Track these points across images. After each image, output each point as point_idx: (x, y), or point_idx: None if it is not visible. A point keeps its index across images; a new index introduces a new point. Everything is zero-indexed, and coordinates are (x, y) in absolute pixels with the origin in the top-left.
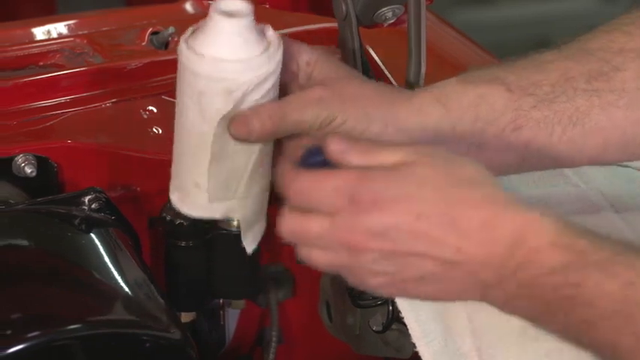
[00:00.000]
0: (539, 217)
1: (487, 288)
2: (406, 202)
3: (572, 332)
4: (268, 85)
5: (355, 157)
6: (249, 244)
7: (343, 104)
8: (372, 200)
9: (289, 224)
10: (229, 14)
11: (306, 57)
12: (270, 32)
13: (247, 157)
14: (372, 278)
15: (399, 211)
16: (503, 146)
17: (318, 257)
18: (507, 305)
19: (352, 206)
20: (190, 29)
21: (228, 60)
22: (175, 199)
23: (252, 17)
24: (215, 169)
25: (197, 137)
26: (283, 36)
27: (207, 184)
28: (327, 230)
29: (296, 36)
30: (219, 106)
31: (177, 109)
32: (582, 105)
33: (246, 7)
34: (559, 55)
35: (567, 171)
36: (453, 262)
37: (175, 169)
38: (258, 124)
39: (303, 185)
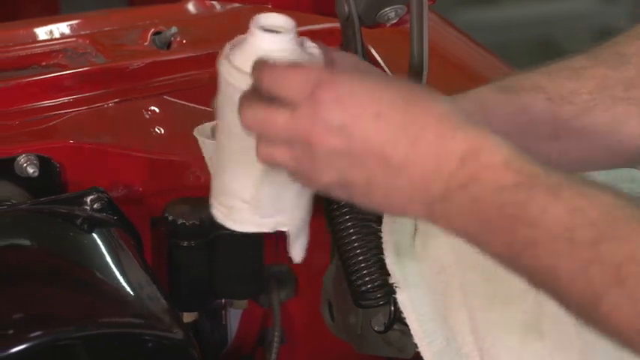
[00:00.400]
0: (495, 138)
1: (433, 202)
2: (367, 101)
3: (512, 252)
4: None
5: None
6: (298, 254)
7: None
8: (334, 97)
9: (256, 113)
10: (271, 29)
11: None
12: (310, 44)
13: None
14: (324, 175)
15: (359, 109)
16: (543, 156)
17: (277, 153)
18: (451, 222)
19: (315, 100)
20: (228, 45)
21: None
22: (220, 214)
23: (295, 32)
24: (264, 185)
25: (244, 154)
26: (322, 45)
27: (257, 200)
28: (289, 122)
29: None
30: None
31: (219, 126)
32: (620, 114)
33: (288, 23)
34: (594, 61)
35: None
36: (400, 167)
37: (219, 185)
38: None
39: (277, 71)
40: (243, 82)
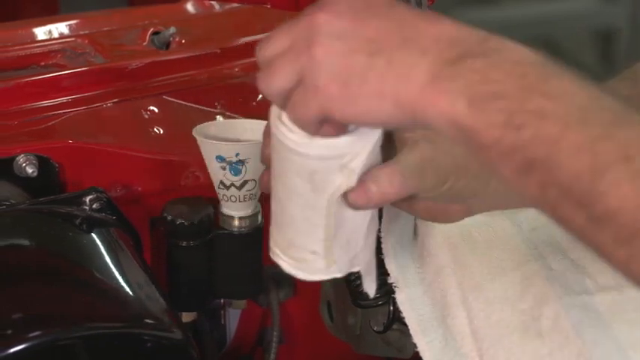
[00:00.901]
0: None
1: (444, 64)
2: (359, 9)
3: (516, 121)
4: (378, 146)
5: None
6: (371, 287)
7: (457, 167)
8: (324, 14)
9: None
10: None
11: None
12: None
13: (364, 216)
14: (323, 61)
15: (350, 15)
16: None
17: (278, 70)
18: (453, 87)
19: (306, 26)
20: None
21: (338, 138)
22: (287, 266)
23: None
24: (334, 237)
25: (310, 210)
26: None
27: (327, 251)
28: (291, 55)
29: None
30: (334, 180)
31: (276, 183)
32: None
33: None
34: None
35: None
36: (412, 38)
37: (283, 239)
38: (378, 192)
39: (267, 38)
40: (310, 149)
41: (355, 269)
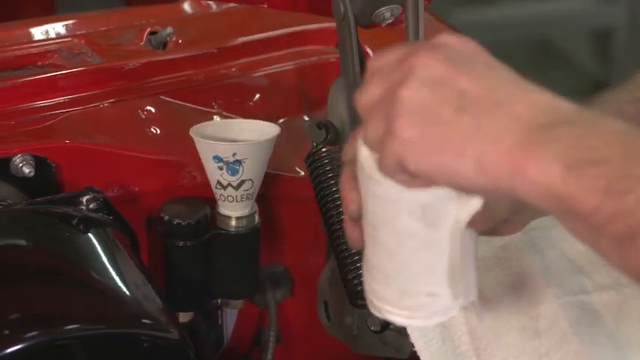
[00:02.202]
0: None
1: (533, 129)
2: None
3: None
4: None
5: None
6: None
7: None
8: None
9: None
10: None
11: None
12: None
13: (474, 238)
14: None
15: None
16: None
17: (372, 117)
18: (547, 151)
19: (401, 64)
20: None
21: None
22: (403, 319)
23: None
24: (458, 272)
25: (426, 250)
26: None
27: (452, 286)
28: (381, 83)
29: (295, 36)
30: (450, 209)
31: (384, 232)
32: None
33: None
34: None
35: None
36: (502, 102)
37: (395, 290)
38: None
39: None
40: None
41: (470, 299)
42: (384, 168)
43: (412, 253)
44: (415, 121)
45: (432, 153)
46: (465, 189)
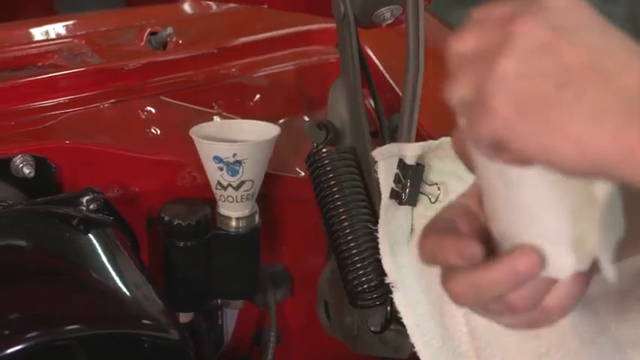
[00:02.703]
0: None
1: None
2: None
3: None
4: None
5: None
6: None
7: None
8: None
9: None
10: None
11: None
12: None
13: None
14: (515, 83)
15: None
16: None
17: (460, 76)
18: None
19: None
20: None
21: None
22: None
23: None
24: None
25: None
26: None
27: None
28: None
29: (295, 36)
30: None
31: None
32: None
33: None
34: None
35: None
36: (623, 87)
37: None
38: None
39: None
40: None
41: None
42: (475, 140)
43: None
44: (512, 99)
45: (532, 134)
46: (568, 172)
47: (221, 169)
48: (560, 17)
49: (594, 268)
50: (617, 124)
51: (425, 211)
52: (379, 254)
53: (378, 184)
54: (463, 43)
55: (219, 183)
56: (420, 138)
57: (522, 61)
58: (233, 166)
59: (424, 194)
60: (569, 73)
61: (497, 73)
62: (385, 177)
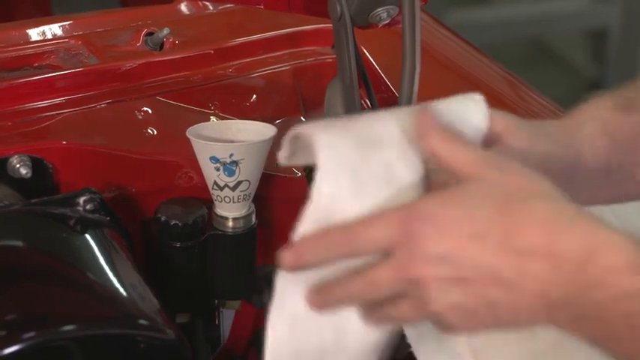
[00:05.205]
0: (612, 234)
1: (554, 309)
2: (461, 222)
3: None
4: None
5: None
6: None
7: None
8: (426, 229)
9: (352, 286)
10: None
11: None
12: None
13: None
14: (449, 315)
15: (455, 233)
16: None
17: (399, 312)
18: (572, 325)
19: (407, 238)
20: None
21: None
22: None
23: None
24: None
25: None
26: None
27: None
28: (391, 274)
29: (291, 36)
30: None
31: None
32: None
33: None
34: None
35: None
36: (515, 283)
37: None
38: None
39: (354, 229)
40: None
41: None
42: (405, 320)
43: None
44: (451, 306)
45: (476, 326)
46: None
47: (218, 169)
48: (433, 244)
49: None
50: (528, 315)
51: None
52: None
53: None
54: (365, 236)
55: (215, 183)
56: None
57: (439, 270)
58: (230, 167)
59: None
60: (483, 269)
61: (424, 286)
62: None
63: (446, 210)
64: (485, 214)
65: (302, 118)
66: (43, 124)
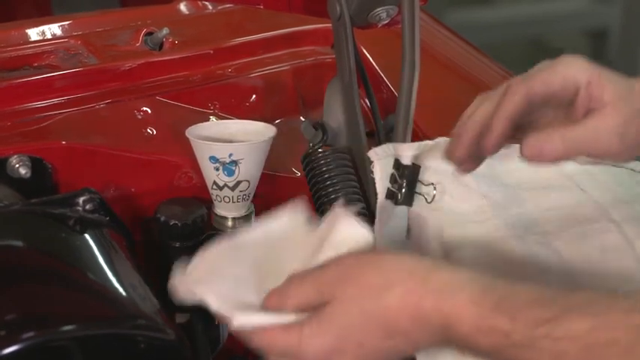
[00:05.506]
0: (458, 299)
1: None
2: (336, 345)
3: None
4: None
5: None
6: None
7: None
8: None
9: None
10: None
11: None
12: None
13: None
14: None
15: (342, 347)
16: None
17: None
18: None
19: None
20: None
21: None
22: None
23: None
24: None
25: None
26: None
27: None
28: None
29: (291, 36)
30: None
31: None
32: None
33: None
34: None
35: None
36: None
37: None
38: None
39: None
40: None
41: None
42: None
43: None
44: None
45: None
46: None
47: (217, 169)
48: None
49: None
50: None
51: (421, 212)
52: None
53: (373, 184)
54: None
55: (215, 183)
56: (415, 138)
57: None
58: (229, 167)
59: (420, 194)
60: None
61: None
62: (381, 177)
63: (320, 337)
64: (368, 329)
65: (301, 117)
66: (43, 124)
